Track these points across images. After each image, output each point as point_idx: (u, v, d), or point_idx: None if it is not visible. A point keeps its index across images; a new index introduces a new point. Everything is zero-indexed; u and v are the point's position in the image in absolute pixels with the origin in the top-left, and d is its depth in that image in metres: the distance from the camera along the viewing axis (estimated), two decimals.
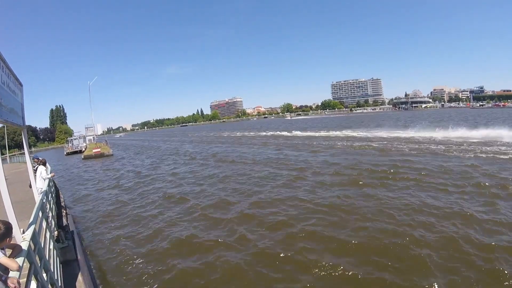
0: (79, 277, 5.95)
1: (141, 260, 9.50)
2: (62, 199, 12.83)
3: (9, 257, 3.43)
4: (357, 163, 19.84)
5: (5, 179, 4.10)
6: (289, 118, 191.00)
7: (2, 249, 3.43)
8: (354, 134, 40.95)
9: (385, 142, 29.84)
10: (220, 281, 7.85)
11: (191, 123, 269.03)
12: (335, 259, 8.09)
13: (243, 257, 8.82)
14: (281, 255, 8.64)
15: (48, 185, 8.80)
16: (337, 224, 10.39)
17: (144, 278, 8.47)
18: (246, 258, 8.78)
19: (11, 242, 3.69)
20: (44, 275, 4.23)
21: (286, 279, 7.53)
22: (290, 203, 13.06)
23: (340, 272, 7.52)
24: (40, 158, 10.43)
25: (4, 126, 50.48)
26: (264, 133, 60.30)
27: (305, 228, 10.28)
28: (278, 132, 58.52)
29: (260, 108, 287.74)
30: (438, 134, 32.20)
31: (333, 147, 29.63)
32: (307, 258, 8.32)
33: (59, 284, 5.18)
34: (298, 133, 51.32)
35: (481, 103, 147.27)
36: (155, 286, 8.04)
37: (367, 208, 11.51)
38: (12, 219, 3.92)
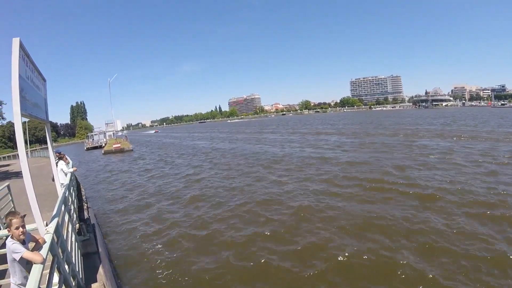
0: (100, 269, 6.01)
1: (161, 253, 9.65)
2: (83, 193, 13.09)
3: (32, 250, 3.47)
4: None
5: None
6: (229, 121, 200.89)
7: (24, 243, 3.48)
8: None
9: None
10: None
11: (209, 120, 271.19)
12: None
13: None
14: None
15: (70, 179, 8.95)
16: None
17: (163, 270, 8.61)
18: None
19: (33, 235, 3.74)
20: (66, 267, 4.27)
21: None
22: None
23: None
24: (61, 152, 10.64)
25: (26, 122, 52.13)
26: None
27: None
28: None
29: (278, 105, 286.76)
30: None
31: None
32: None
33: (81, 276, 5.24)
34: None
35: (502, 102, 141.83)
36: (174, 278, 8.15)
37: None
38: (36, 211, 3.97)
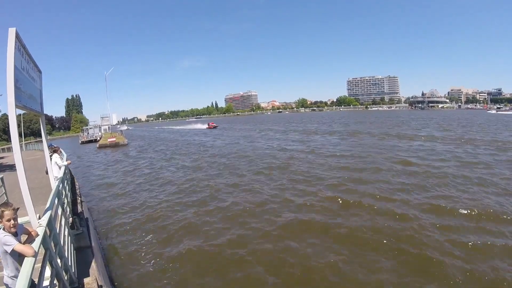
0: (93, 264, 5.99)
1: (154, 247, 9.68)
2: (77, 186, 13.00)
3: (24, 243, 3.44)
4: None
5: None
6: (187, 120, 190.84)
7: (16, 235, 3.45)
8: None
9: None
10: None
11: (205, 116, 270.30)
12: None
13: None
14: None
15: (64, 173, 8.88)
16: None
17: (155, 264, 8.66)
18: None
19: (26, 228, 3.71)
20: (59, 261, 4.25)
21: None
22: None
23: None
24: (54, 145, 10.56)
25: (20, 114, 51.48)
26: None
27: None
28: None
29: (274, 103, 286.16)
30: None
31: None
32: None
33: (73, 271, 5.21)
34: None
35: (498, 106, 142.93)
36: (167, 273, 8.16)
37: None
38: (28, 204, 3.94)
